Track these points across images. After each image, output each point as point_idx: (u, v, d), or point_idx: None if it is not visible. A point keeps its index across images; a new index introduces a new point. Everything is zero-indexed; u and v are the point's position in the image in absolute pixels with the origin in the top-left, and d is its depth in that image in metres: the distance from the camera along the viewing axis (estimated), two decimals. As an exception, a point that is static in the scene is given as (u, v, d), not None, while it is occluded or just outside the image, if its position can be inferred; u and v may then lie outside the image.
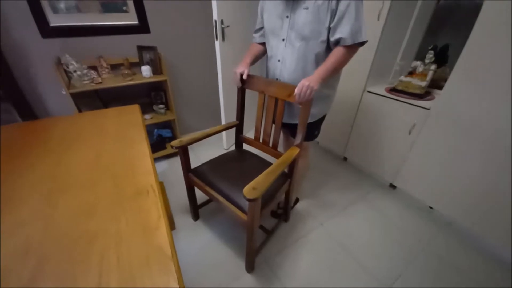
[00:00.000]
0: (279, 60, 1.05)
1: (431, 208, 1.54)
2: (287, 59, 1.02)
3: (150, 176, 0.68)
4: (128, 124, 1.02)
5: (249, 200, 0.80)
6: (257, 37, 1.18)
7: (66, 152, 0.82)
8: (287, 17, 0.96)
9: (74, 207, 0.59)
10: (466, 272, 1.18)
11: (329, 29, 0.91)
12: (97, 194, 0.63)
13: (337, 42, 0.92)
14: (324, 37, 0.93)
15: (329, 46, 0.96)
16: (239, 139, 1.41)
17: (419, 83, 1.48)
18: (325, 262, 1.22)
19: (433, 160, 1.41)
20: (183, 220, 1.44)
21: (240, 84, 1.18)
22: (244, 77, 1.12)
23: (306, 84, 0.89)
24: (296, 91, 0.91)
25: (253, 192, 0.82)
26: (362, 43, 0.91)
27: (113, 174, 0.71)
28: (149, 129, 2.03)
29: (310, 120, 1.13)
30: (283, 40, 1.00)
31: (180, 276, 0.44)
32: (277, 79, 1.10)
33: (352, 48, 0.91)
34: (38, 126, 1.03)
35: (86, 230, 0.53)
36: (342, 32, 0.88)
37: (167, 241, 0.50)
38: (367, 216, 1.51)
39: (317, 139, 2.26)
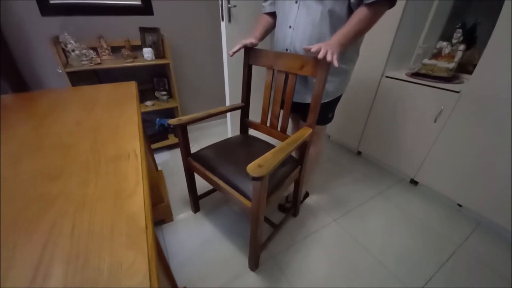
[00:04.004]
0: (290, 26, 0.92)
1: (459, 205, 1.35)
2: (300, 24, 0.89)
3: (135, 141, 0.57)
4: (121, 97, 0.92)
5: (254, 178, 0.67)
6: (266, 6, 1.06)
7: (49, 117, 0.73)
8: None
9: (38, 170, 0.48)
10: (507, 276, 1.00)
11: None
12: (70, 156, 0.52)
13: (360, 1, 0.79)
14: None
15: (350, 9, 0.83)
16: (244, 123, 1.28)
17: (446, 65, 1.32)
18: (340, 262, 1.06)
19: (462, 151, 1.24)
20: (182, 212, 1.32)
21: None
22: (250, 42, 0.99)
23: (324, 48, 0.75)
24: (314, 47, 0.75)
25: (258, 169, 0.69)
26: (390, 2, 0.78)
27: (93, 138, 0.60)
28: (151, 118, 1.94)
29: (324, 100, 1.00)
30: (296, 2, 0.88)
31: (154, 254, 0.31)
32: (286, 50, 0.97)
33: (377, 7, 0.78)
34: (28, 96, 0.95)
35: (45, 193, 0.42)
36: None
37: (142, 210, 0.37)
38: (386, 213, 1.34)
39: (328, 132, 2.12)
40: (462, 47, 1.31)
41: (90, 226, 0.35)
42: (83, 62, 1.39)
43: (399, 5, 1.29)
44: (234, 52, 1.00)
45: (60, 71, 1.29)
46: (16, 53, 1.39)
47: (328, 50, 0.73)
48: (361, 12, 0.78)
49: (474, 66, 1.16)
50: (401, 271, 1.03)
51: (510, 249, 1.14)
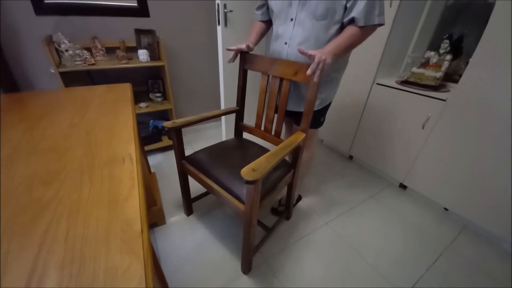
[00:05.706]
0: (286, 43, 0.95)
1: (446, 209, 1.40)
2: (295, 41, 0.92)
3: (130, 145, 0.57)
4: (116, 99, 0.92)
5: (247, 182, 0.69)
6: (258, 15, 1.09)
7: (43, 119, 0.72)
8: None
9: (32, 173, 0.48)
10: (498, 278, 1.05)
11: (345, 8, 0.81)
12: (64, 160, 0.52)
13: (350, 22, 0.83)
14: (339, 16, 0.83)
15: (342, 28, 0.87)
16: (239, 127, 1.30)
17: (433, 74, 1.38)
18: (332, 264, 1.08)
19: (448, 156, 1.29)
20: (175, 214, 1.32)
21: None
22: (247, 45, 1.01)
23: (319, 54, 0.77)
24: (310, 52, 0.78)
25: (252, 173, 0.70)
26: (377, 25, 0.82)
27: (88, 141, 0.60)
28: (145, 120, 1.93)
29: (316, 107, 1.02)
30: (292, 20, 0.90)
31: (149, 259, 0.32)
32: None
33: (366, 29, 0.82)
34: (22, 97, 0.93)
35: (39, 198, 0.42)
36: (357, 11, 0.79)
37: (138, 214, 0.38)
38: (377, 216, 1.37)
39: (321, 137, 2.16)
40: (448, 57, 1.36)
41: (85, 230, 0.35)
42: (77, 63, 1.38)
43: (389, 16, 1.35)
44: (231, 58, 1.03)
45: (53, 71, 1.27)
46: (8, 52, 1.36)
47: (322, 56, 0.76)
48: (352, 29, 0.82)
49: (460, 75, 1.21)
50: (391, 272, 1.05)
51: (495, 250, 1.18)
